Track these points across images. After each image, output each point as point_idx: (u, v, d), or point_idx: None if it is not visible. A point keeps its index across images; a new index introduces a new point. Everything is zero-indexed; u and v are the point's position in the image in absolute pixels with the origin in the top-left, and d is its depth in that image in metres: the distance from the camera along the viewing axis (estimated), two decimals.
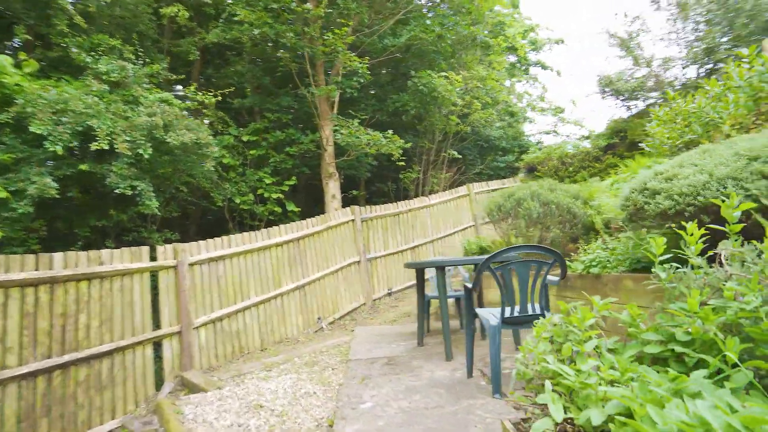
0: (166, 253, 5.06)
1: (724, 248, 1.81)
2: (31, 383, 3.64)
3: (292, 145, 9.54)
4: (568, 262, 3.81)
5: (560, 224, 5.32)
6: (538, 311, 2.93)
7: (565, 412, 1.50)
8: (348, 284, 7.76)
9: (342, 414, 2.81)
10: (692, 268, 1.96)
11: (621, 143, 10.41)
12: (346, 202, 10.13)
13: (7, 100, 5.15)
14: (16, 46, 7.77)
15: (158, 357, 4.83)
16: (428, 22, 10.08)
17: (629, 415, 1.35)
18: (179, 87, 9.98)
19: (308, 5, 8.62)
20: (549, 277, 2.98)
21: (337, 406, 3.00)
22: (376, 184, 12.83)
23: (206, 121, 7.04)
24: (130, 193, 5.35)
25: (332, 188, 9.25)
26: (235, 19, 8.08)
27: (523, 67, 17.49)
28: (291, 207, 9.32)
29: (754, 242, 1.74)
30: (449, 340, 3.99)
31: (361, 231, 8.19)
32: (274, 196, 9.01)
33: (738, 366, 1.43)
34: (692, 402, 1.18)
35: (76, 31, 6.44)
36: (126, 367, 4.40)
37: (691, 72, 9.49)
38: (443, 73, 9.91)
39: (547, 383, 1.49)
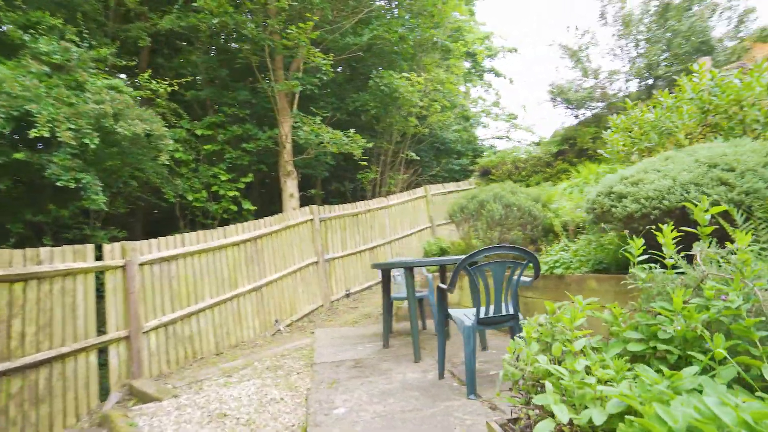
0: (113, 252, 4.68)
1: (700, 249, 1.89)
2: None
3: (249, 141, 9.19)
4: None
5: (521, 226, 5.47)
6: (511, 311, 2.97)
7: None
8: (306, 285, 7.58)
9: (315, 421, 2.70)
10: (665, 268, 2.04)
11: (570, 150, 10.94)
12: (304, 202, 9.92)
13: None
14: None
15: (104, 365, 4.45)
16: (391, 22, 10.08)
17: (629, 413, 1.36)
18: (122, 75, 9.30)
19: None
20: (522, 277, 3.03)
21: (308, 412, 2.88)
22: (332, 183, 12.67)
23: (155, 114, 6.56)
24: (73, 186, 4.87)
25: (290, 187, 9.01)
26: (194, 5, 7.65)
27: (478, 74, 17.97)
28: (247, 205, 8.97)
29: (728, 243, 1.84)
30: (417, 341, 3.98)
31: (319, 231, 8.03)
32: (230, 193, 8.63)
33: (721, 363, 1.50)
34: (694, 399, 1.21)
35: (10, 6, 5.81)
36: (67, 376, 4.01)
37: (633, 86, 10.16)
38: (405, 74, 9.95)
39: (548, 384, 1.48)
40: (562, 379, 1.57)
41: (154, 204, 8.52)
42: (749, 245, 1.84)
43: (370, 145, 9.33)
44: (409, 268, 4.07)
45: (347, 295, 8.44)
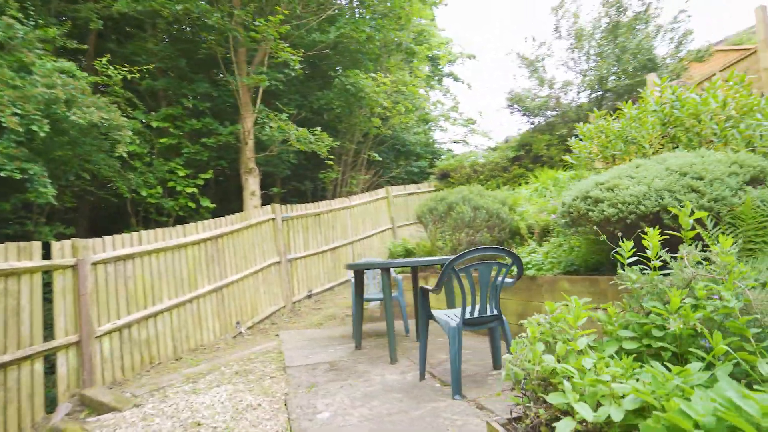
0: (63, 250, 4.30)
1: (687, 251, 2.01)
2: None
3: (209, 135, 8.77)
4: None
5: (488, 228, 5.59)
6: (495, 312, 3.01)
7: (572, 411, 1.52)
8: (268, 286, 7.36)
9: (300, 427, 2.60)
10: (651, 270, 2.15)
11: (526, 156, 11.37)
12: (265, 200, 9.63)
13: None
14: None
15: (51, 373, 4.07)
16: (359, 21, 10.02)
17: (644, 410, 1.41)
18: (67, 60, 8.59)
19: None
20: (505, 279, 3.08)
21: (291, 418, 2.78)
22: (293, 182, 12.41)
23: (109, 102, 6.07)
24: (18, 177, 4.40)
25: (252, 184, 8.72)
26: None
27: (437, 78, 18.28)
28: (205, 202, 8.56)
29: (704, 248, 1.96)
30: (394, 342, 3.95)
31: (282, 230, 7.84)
32: (188, 190, 8.19)
33: (720, 359, 1.58)
34: (711, 393, 1.26)
35: None
36: (8, 387, 3.63)
37: (584, 97, 10.72)
38: (372, 74, 9.92)
39: (566, 383, 1.50)
40: (572, 377, 1.61)
41: (102, 199, 7.93)
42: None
43: (336, 144, 9.22)
44: (386, 269, 4.04)
45: (309, 296, 8.28)
